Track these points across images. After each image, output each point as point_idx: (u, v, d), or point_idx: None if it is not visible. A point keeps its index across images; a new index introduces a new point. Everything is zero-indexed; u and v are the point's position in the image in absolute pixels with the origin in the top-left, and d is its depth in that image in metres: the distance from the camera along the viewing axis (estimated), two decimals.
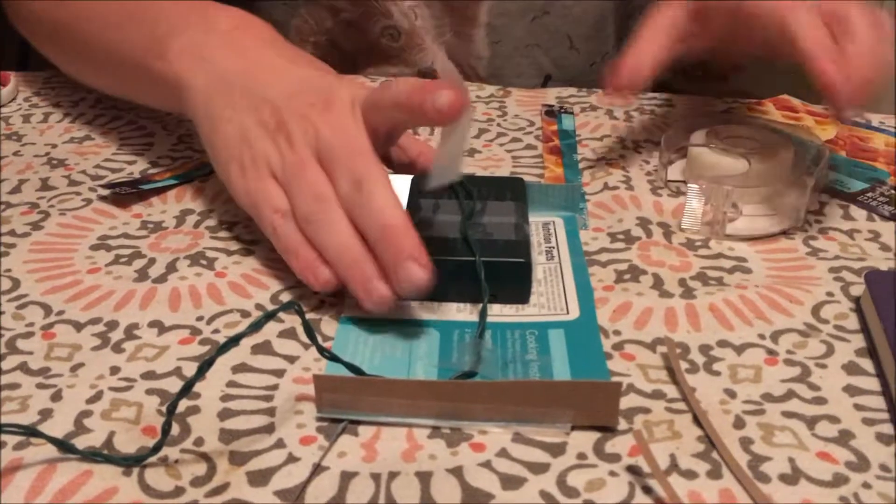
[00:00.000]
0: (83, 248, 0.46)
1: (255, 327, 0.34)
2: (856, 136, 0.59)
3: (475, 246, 0.41)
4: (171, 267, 0.45)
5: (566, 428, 0.34)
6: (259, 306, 0.42)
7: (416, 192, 0.45)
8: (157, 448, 0.33)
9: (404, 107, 0.40)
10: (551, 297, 0.42)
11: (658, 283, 0.44)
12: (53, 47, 0.61)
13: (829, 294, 0.43)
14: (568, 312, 0.41)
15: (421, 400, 0.35)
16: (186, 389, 0.33)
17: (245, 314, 0.41)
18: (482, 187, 0.46)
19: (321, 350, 0.36)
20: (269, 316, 0.35)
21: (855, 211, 0.51)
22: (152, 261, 0.45)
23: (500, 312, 0.41)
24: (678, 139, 0.54)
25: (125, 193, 0.51)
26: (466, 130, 0.40)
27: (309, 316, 0.41)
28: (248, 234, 0.47)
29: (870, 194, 0.52)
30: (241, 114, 0.44)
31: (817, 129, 0.60)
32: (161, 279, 0.44)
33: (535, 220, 0.48)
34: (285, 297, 0.43)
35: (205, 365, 0.33)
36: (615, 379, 0.37)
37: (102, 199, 0.51)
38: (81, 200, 0.51)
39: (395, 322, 0.40)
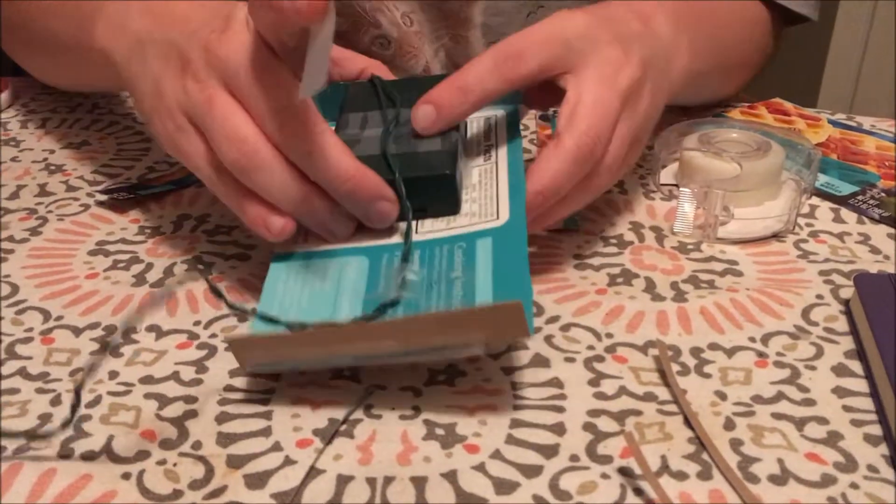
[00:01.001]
0: (81, 254, 0.47)
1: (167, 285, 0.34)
2: (847, 140, 0.60)
3: (394, 164, 0.41)
4: (169, 272, 0.45)
5: (480, 350, 0.34)
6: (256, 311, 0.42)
7: (344, 107, 0.44)
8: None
9: (269, 7, 0.37)
10: (484, 202, 0.41)
11: (650, 287, 0.44)
12: (18, 51, 0.62)
13: (819, 297, 0.43)
14: (498, 217, 0.40)
15: (331, 345, 0.34)
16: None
17: (242, 318, 0.42)
18: (413, 92, 0.44)
19: (230, 306, 0.36)
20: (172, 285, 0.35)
21: (845, 214, 0.51)
22: (150, 266, 0.46)
23: (431, 228, 0.41)
24: (670, 143, 0.54)
25: (123, 199, 0.51)
26: (328, 36, 0.37)
27: None
28: (245, 239, 0.48)
29: (860, 197, 0.53)
30: (151, 66, 0.42)
31: (809, 132, 0.61)
32: (158, 284, 0.44)
33: (475, 116, 0.46)
34: None
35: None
36: (611, 376, 0.38)
37: (100, 204, 0.51)
38: (79, 206, 0.51)
39: (325, 253, 0.40)
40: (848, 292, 0.44)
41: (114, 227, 0.49)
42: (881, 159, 0.57)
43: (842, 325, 0.42)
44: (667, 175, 0.54)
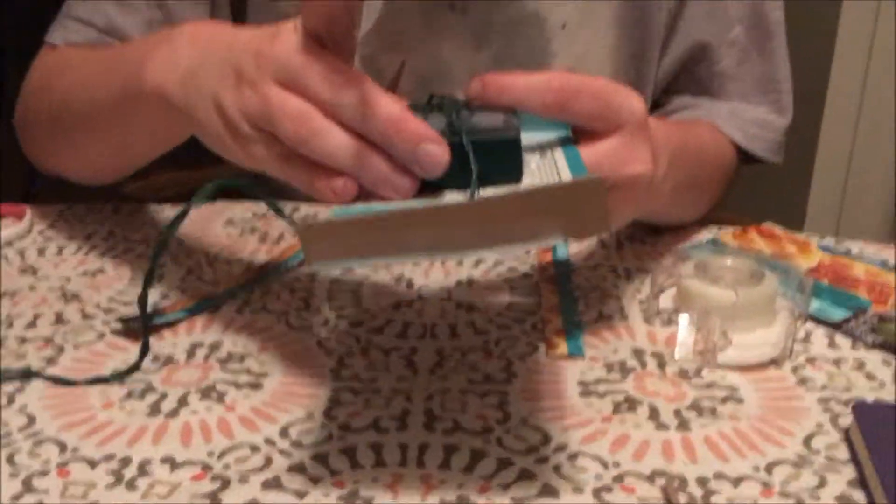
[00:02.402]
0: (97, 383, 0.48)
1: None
2: (837, 264, 0.62)
3: (459, 126, 0.40)
4: (183, 401, 0.46)
5: (558, 240, 0.33)
6: (268, 440, 0.43)
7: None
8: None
9: (322, 3, 0.40)
10: (545, 174, 0.41)
11: (654, 415, 0.45)
12: (56, 144, 0.64)
13: (819, 425, 0.45)
14: (560, 179, 0.40)
15: (406, 230, 0.34)
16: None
17: (255, 448, 0.42)
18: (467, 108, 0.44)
19: (290, 221, 0.36)
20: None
21: (840, 339, 0.53)
22: (164, 395, 0.47)
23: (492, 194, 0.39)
24: (667, 269, 0.56)
25: (137, 326, 0.52)
26: None
27: None
28: (258, 366, 0.49)
29: (853, 322, 0.54)
30: (206, 90, 0.44)
31: (800, 257, 0.63)
32: (173, 414, 0.45)
33: (527, 135, 0.45)
34: (294, 431, 0.44)
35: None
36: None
37: (115, 332, 0.53)
38: (95, 334, 0.52)
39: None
40: (847, 420, 0.45)
41: (129, 355, 0.50)
42: (871, 284, 0.59)
43: (842, 452, 0.42)
44: (665, 300, 0.56)
